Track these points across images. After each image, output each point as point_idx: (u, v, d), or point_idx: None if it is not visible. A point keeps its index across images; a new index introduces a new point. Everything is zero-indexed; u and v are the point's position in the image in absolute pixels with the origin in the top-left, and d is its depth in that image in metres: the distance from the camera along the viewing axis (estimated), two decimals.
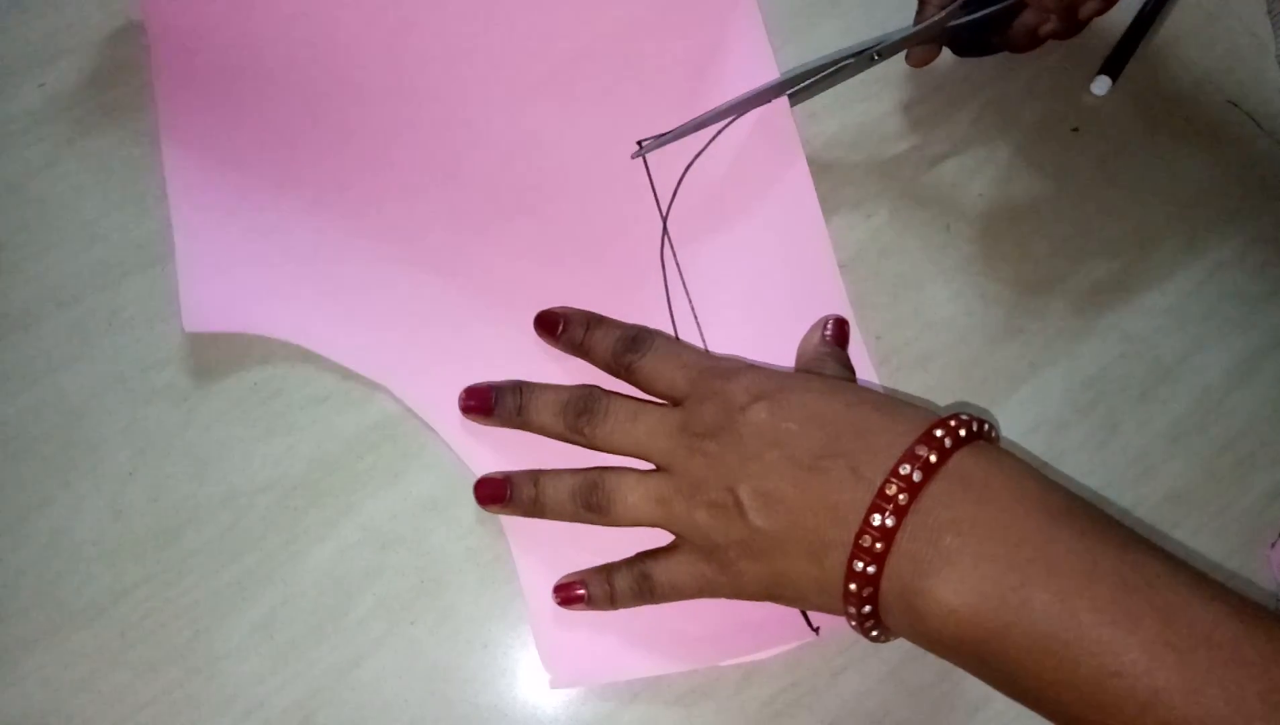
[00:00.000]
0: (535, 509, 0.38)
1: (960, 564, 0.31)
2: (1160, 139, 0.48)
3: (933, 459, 0.32)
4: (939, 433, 0.32)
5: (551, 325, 0.41)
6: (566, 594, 0.38)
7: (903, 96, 0.48)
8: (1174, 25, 0.51)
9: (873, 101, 0.47)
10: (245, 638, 0.38)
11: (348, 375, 0.42)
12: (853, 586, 0.32)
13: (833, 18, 0.48)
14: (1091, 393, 0.44)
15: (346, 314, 0.42)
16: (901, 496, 0.32)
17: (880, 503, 0.32)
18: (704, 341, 0.42)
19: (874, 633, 0.34)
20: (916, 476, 0.32)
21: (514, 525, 0.39)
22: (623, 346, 0.39)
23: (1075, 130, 0.48)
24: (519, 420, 0.39)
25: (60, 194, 0.44)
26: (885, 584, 0.32)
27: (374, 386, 0.42)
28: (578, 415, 0.38)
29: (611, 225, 0.44)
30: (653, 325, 0.41)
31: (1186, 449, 0.43)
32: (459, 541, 0.40)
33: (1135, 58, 0.49)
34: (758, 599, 0.36)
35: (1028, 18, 0.46)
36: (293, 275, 0.42)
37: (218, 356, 0.42)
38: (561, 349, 0.41)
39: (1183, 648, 0.28)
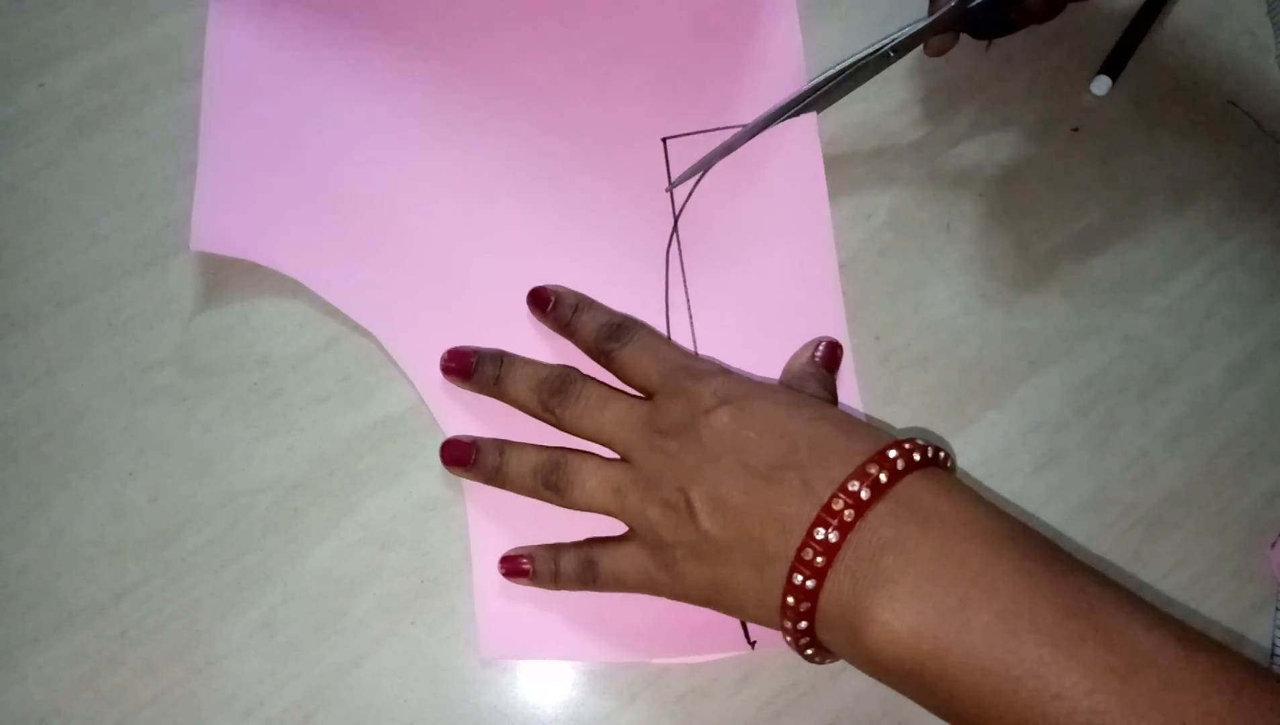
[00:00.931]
0: (497, 478, 0.39)
1: (901, 583, 0.30)
2: (1160, 139, 0.48)
3: (883, 478, 0.32)
4: (892, 453, 0.32)
5: (543, 301, 0.41)
6: (512, 566, 0.38)
7: (903, 96, 0.48)
8: (1174, 25, 0.51)
9: (873, 101, 0.47)
10: (245, 638, 0.38)
11: (347, 375, 0.42)
12: (790, 600, 0.32)
13: (833, 20, 0.48)
14: (1091, 393, 0.44)
15: (351, 258, 0.43)
16: (847, 513, 0.31)
17: (825, 517, 0.32)
18: (695, 341, 0.42)
19: (809, 651, 0.33)
20: (865, 494, 0.32)
21: (474, 491, 0.40)
22: (605, 333, 0.40)
23: (1075, 130, 0.48)
24: (495, 389, 0.40)
25: (60, 194, 0.44)
26: (824, 600, 0.32)
27: (374, 386, 0.42)
28: (551, 394, 0.38)
29: (624, 214, 0.44)
30: (647, 318, 0.41)
31: (1186, 449, 0.43)
32: (459, 541, 0.40)
33: (1135, 58, 0.49)
34: (697, 603, 0.36)
35: None
36: (306, 213, 0.43)
37: (218, 356, 0.42)
38: (549, 326, 0.41)
39: (1124, 671, 0.28)
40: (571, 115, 0.46)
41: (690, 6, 0.47)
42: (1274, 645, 0.40)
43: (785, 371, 0.41)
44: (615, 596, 0.38)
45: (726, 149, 0.44)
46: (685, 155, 0.45)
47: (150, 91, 0.46)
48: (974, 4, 0.45)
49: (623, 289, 0.42)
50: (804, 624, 0.32)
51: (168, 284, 0.43)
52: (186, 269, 0.43)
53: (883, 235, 0.45)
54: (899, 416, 0.43)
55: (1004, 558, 0.30)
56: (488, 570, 0.39)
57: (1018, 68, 0.49)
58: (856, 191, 0.46)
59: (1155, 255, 0.46)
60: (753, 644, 0.38)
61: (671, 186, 0.44)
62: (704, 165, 0.44)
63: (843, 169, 0.46)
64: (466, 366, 0.40)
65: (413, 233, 0.43)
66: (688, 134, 0.45)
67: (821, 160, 0.44)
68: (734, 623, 0.39)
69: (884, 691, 0.38)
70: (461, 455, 0.39)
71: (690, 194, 0.44)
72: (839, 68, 0.44)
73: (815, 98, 0.44)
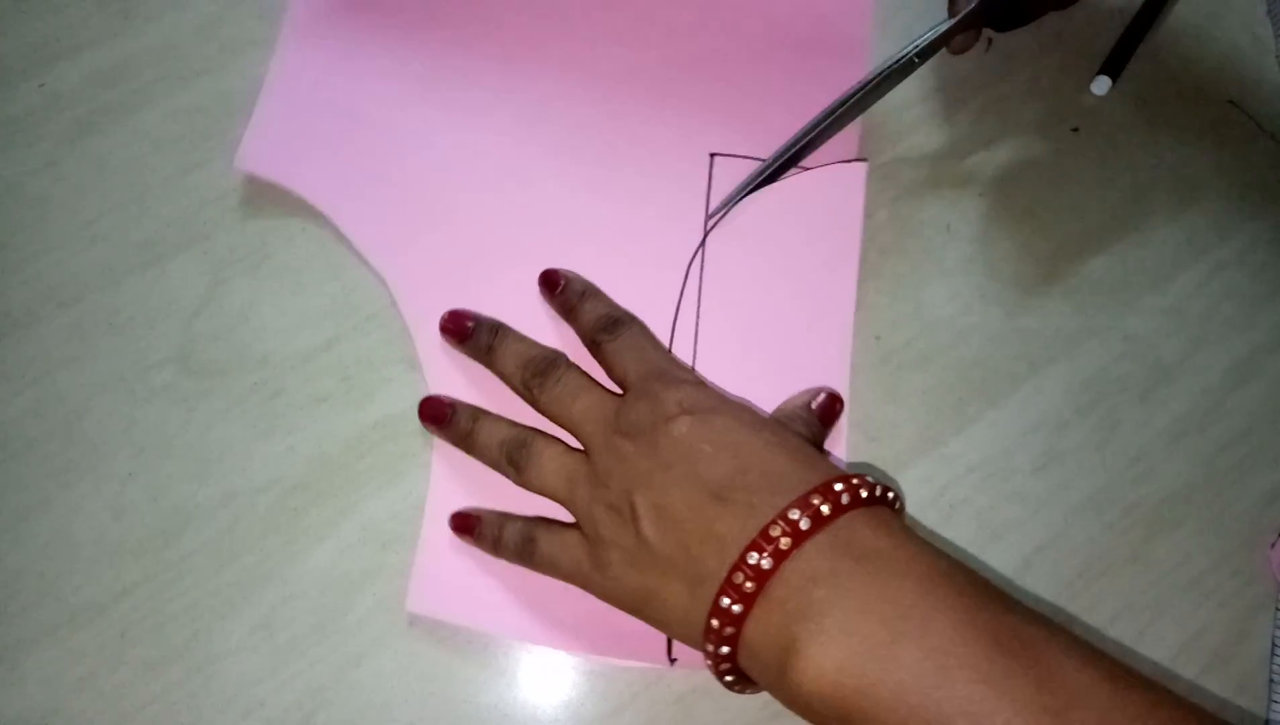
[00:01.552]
0: (465, 442, 0.39)
1: (831, 617, 0.29)
2: (1160, 139, 0.48)
3: (825, 510, 0.31)
4: (839, 487, 0.32)
5: (553, 283, 0.42)
6: (462, 522, 0.39)
7: (903, 96, 0.48)
8: (1174, 25, 0.51)
9: None
10: (245, 638, 0.38)
11: (347, 375, 0.42)
12: (715, 623, 0.31)
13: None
14: (1091, 393, 0.44)
15: (383, 203, 0.44)
16: (784, 541, 0.31)
17: (761, 543, 0.31)
18: (695, 359, 0.42)
19: (729, 678, 0.33)
20: (804, 524, 0.31)
21: (443, 449, 0.41)
22: (601, 324, 0.40)
23: (1075, 130, 0.48)
24: (484, 357, 0.41)
25: (60, 194, 0.44)
26: (750, 628, 0.31)
27: (374, 386, 0.42)
28: (534, 374, 0.39)
29: (656, 218, 0.44)
30: (653, 325, 0.41)
31: (1186, 449, 0.43)
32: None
33: (1135, 58, 0.49)
34: (623, 608, 0.36)
35: None
36: (351, 154, 0.45)
37: (218, 356, 0.42)
38: (554, 308, 0.42)
39: (1056, 709, 0.27)
40: (626, 112, 0.46)
41: (768, 34, 0.48)
42: (1274, 645, 0.40)
43: (778, 409, 0.41)
44: (549, 584, 0.38)
45: (765, 170, 0.44)
46: (729, 174, 0.45)
47: (150, 91, 0.46)
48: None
49: (637, 290, 0.42)
50: (725, 649, 0.32)
51: (168, 284, 0.43)
52: (186, 269, 0.43)
53: (883, 235, 0.45)
54: (899, 416, 0.43)
55: (938, 595, 0.30)
56: (438, 527, 0.39)
57: (1018, 68, 0.49)
58: None
59: (1155, 255, 0.46)
60: (673, 661, 0.38)
61: (710, 219, 0.44)
62: (744, 185, 0.44)
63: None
64: (463, 329, 0.41)
65: (448, 193, 0.44)
66: (736, 155, 0.45)
67: (862, 209, 0.44)
68: (660, 635, 0.38)
69: None
70: (438, 414, 0.40)
71: (726, 211, 0.44)
72: (867, 78, 0.44)
73: (842, 112, 0.44)
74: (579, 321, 0.41)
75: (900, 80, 0.44)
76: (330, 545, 0.40)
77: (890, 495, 0.33)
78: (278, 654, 0.38)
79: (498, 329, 0.41)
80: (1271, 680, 0.40)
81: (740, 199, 0.44)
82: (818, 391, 0.41)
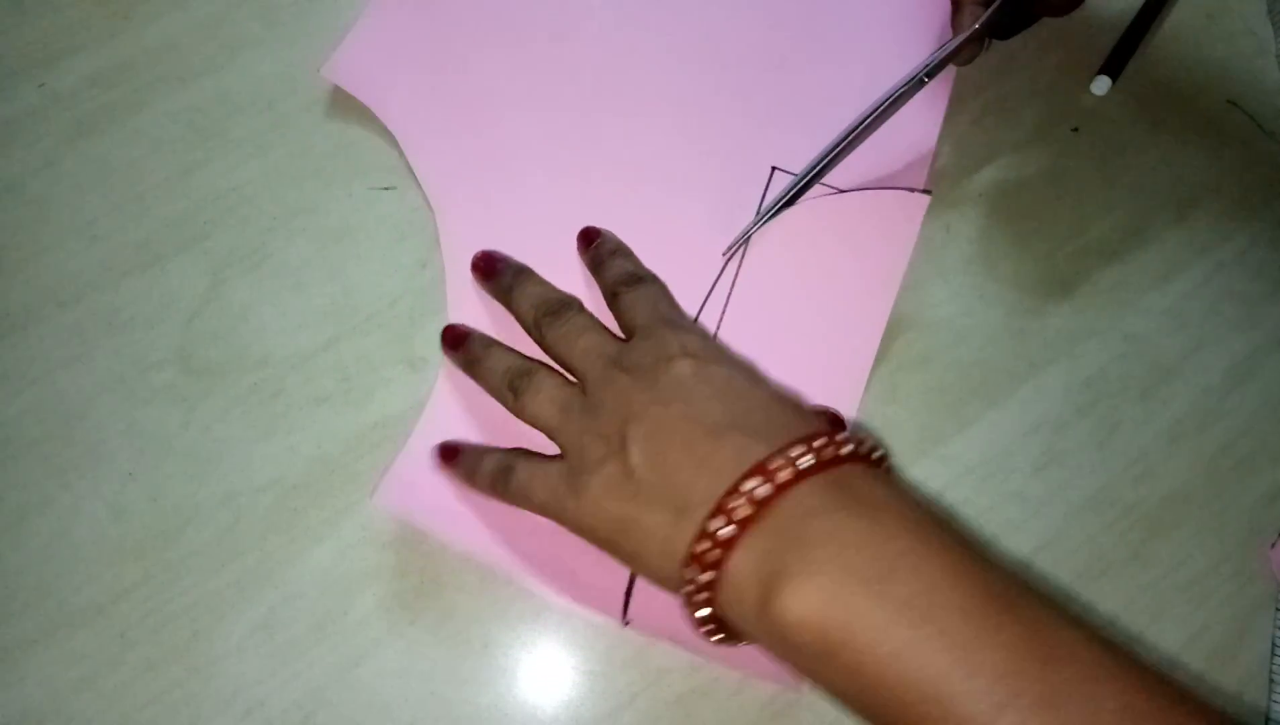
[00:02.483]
0: (473, 368, 0.40)
1: (825, 549, 0.29)
2: (1160, 139, 0.48)
3: (826, 453, 0.31)
4: (841, 437, 0.32)
5: (589, 238, 0.43)
6: (445, 452, 0.40)
7: None
8: (1174, 25, 0.51)
9: None
10: (245, 638, 0.38)
11: (347, 375, 0.42)
12: (701, 547, 0.31)
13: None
14: (1091, 393, 0.44)
15: (452, 137, 0.46)
16: (783, 473, 0.31)
17: (759, 472, 0.31)
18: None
19: (703, 612, 0.32)
20: (805, 462, 0.31)
21: (452, 376, 0.42)
22: (623, 278, 0.41)
23: (1075, 130, 0.48)
24: (505, 296, 0.42)
25: (60, 194, 0.44)
26: (738, 556, 0.31)
27: (374, 386, 0.42)
28: (545, 313, 0.40)
29: (704, 211, 0.45)
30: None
31: (1186, 449, 0.43)
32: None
33: (1135, 58, 0.49)
34: (595, 540, 0.35)
35: None
36: (436, 88, 0.46)
37: (218, 356, 0.42)
38: (586, 262, 0.43)
39: (1043, 657, 0.27)
40: (699, 110, 0.47)
41: (842, 50, 0.48)
42: (1274, 645, 0.40)
43: None
44: (515, 513, 0.38)
45: (791, 189, 0.44)
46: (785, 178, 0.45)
47: (150, 91, 0.46)
48: (995, 9, 0.44)
49: (670, 270, 0.42)
50: (708, 577, 0.31)
51: (168, 284, 0.43)
52: (186, 269, 0.43)
53: None
54: (899, 416, 0.43)
55: (931, 544, 0.30)
56: (425, 440, 0.40)
57: (1018, 68, 0.49)
58: None
59: (1155, 255, 0.46)
60: (627, 623, 0.38)
61: (728, 252, 0.44)
62: (772, 206, 0.44)
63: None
64: (491, 268, 0.42)
65: (514, 154, 0.45)
66: (796, 174, 0.45)
67: (915, 239, 0.44)
68: (618, 588, 0.38)
69: None
70: (458, 339, 0.41)
71: (774, 214, 0.44)
72: (880, 100, 0.44)
73: (858, 132, 0.44)
74: (604, 275, 0.42)
75: (910, 97, 0.44)
76: (330, 545, 0.40)
77: (887, 463, 0.33)
78: (278, 654, 0.38)
79: (520, 271, 0.42)
80: (1271, 680, 0.40)
81: (769, 219, 0.44)
82: (823, 411, 0.40)
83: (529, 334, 0.41)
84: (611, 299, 0.41)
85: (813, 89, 0.47)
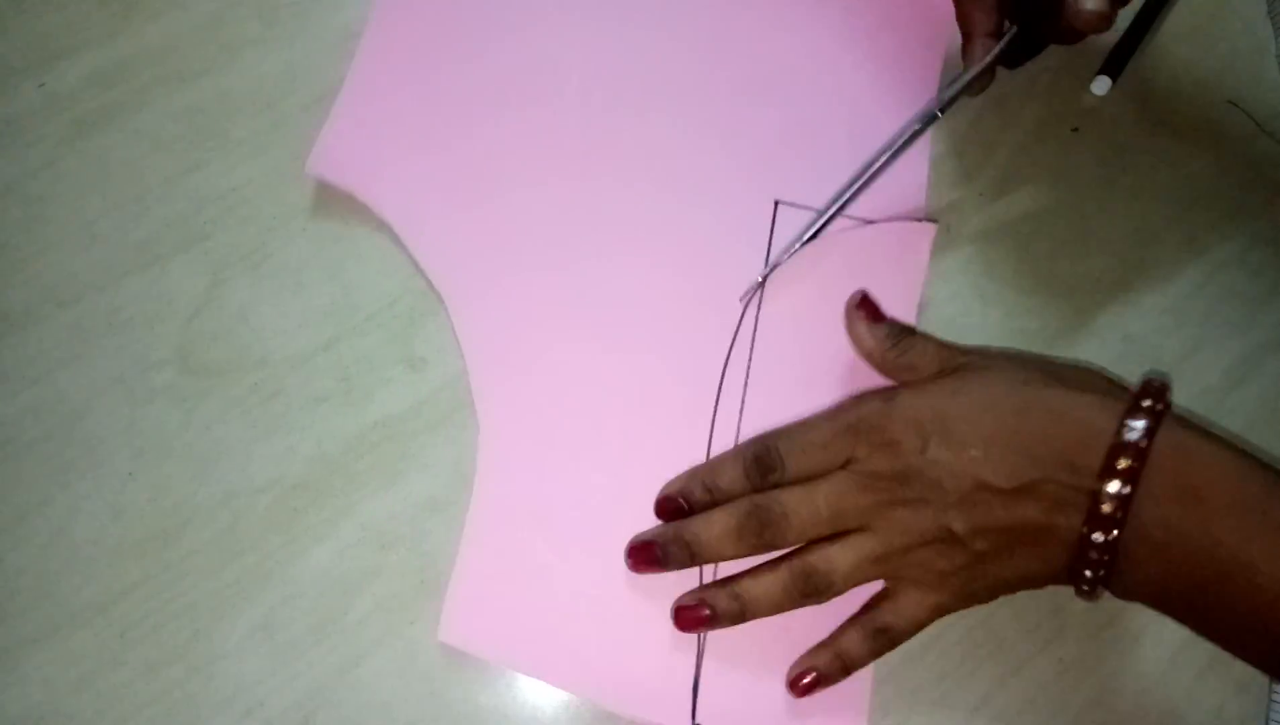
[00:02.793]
0: (745, 616, 0.37)
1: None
2: (1160, 139, 0.48)
3: (1142, 444, 0.32)
4: (1144, 403, 0.33)
5: (674, 508, 0.38)
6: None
7: None
8: (1174, 25, 0.51)
9: None
10: (245, 638, 0.38)
11: (347, 375, 0.42)
12: (1122, 461, 0.32)
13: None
14: None
15: (451, 220, 0.44)
16: (1146, 414, 0.33)
17: (1125, 418, 0.33)
18: (744, 400, 0.42)
19: (1108, 530, 0.33)
20: (1150, 408, 0.33)
21: (489, 457, 0.40)
22: (756, 471, 0.37)
23: (1075, 130, 0.48)
24: (695, 563, 0.37)
25: (60, 194, 0.44)
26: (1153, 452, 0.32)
27: (374, 386, 0.42)
28: (758, 533, 0.36)
29: (714, 257, 0.44)
30: (704, 370, 0.42)
31: None
32: (459, 541, 0.40)
33: (1135, 58, 0.49)
34: (987, 601, 0.36)
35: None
36: (424, 166, 0.45)
37: (218, 356, 0.42)
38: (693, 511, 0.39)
39: None
40: (697, 150, 0.46)
41: (839, 84, 0.48)
42: None
43: (857, 349, 0.40)
44: (578, 626, 0.38)
45: (815, 224, 0.43)
46: (791, 223, 0.44)
47: (150, 91, 0.46)
48: (1007, 41, 0.44)
49: (688, 319, 0.42)
50: (1128, 489, 0.32)
51: (168, 284, 0.43)
52: (186, 269, 0.43)
53: None
54: None
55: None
56: (479, 551, 0.39)
57: (1018, 69, 0.49)
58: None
59: (1155, 255, 0.46)
60: (695, 724, 0.38)
61: (746, 296, 0.44)
62: (795, 240, 0.43)
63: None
64: (653, 557, 0.37)
65: (516, 215, 0.44)
66: (800, 206, 0.45)
67: (925, 270, 0.44)
68: (684, 700, 0.38)
69: (884, 692, 0.38)
70: (697, 620, 0.37)
71: (787, 256, 0.43)
72: (895, 137, 0.43)
73: (876, 168, 0.43)
74: (729, 493, 0.38)
75: (923, 132, 0.44)
76: (330, 545, 0.40)
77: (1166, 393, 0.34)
78: (278, 654, 0.38)
79: (681, 535, 0.37)
80: (1271, 683, 0.40)
81: (794, 252, 0.43)
82: (857, 306, 0.40)
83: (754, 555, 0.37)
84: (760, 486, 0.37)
85: (807, 121, 0.47)
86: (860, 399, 0.37)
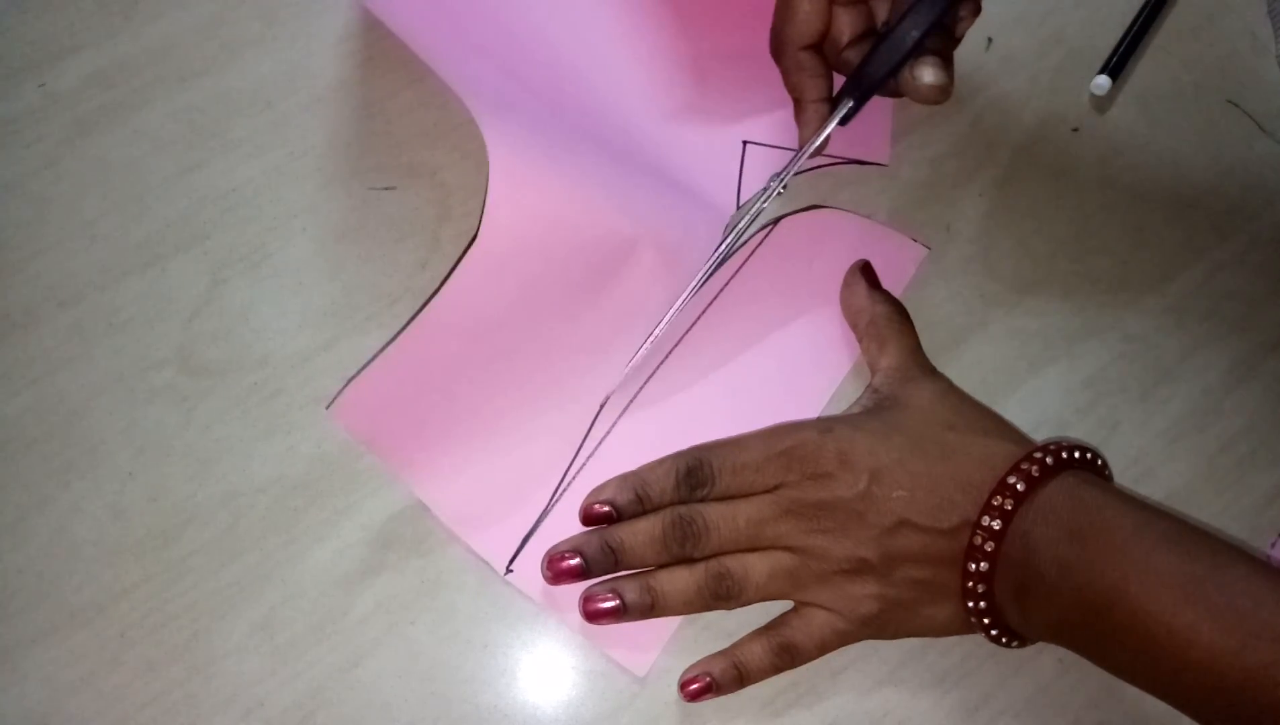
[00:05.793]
0: (655, 611, 0.38)
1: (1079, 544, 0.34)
2: (1160, 139, 0.48)
3: (1031, 479, 0.35)
4: (1038, 455, 0.36)
5: (602, 517, 0.38)
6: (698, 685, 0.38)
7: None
8: (1174, 25, 0.51)
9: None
10: (245, 638, 0.38)
11: (347, 375, 0.42)
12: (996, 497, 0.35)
13: None
14: (1091, 393, 0.44)
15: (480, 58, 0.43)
16: (1034, 469, 0.35)
17: (1016, 470, 0.35)
18: (680, 342, 0.42)
19: (989, 622, 0.36)
20: (1045, 462, 0.36)
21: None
22: (686, 484, 0.38)
23: (1075, 130, 0.48)
24: (618, 568, 0.38)
25: (60, 194, 0.44)
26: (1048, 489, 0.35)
27: None
28: (680, 543, 0.37)
29: (689, 195, 0.44)
30: (652, 303, 0.41)
31: (1186, 449, 0.43)
32: (458, 541, 0.40)
33: (1135, 58, 0.49)
34: (894, 636, 0.39)
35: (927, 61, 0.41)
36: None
37: (218, 356, 0.42)
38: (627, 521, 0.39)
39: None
40: (666, 95, 0.46)
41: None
42: None
43: (849, 309, 0.43)
44: (467, 454, 0.40)
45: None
46: (762, 163, 0.45)
47: (150, 91, 0.46)
48: (842, 115, 0.42)
49: (651, 260, 0.41)
50: (998, 523, 0.35)
51: (168, 284, 0.43)
52: (186, 269, 0.43)
53: None
54: None
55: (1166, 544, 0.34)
56: (404, 353, 0.40)
57: (1018, 68, 0.49)
58: (856, 192, 0.46)
59: (1155, 255, 0.46)
60: (509, 572, 0.39)
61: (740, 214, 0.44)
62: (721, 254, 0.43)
63: (843, 169, 0.46)
64: (576, 571, 0.37)
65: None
66: (768, 145, 0.45)
67: (905, 286, 0.44)
68: (514, 542, 0.39)
69: (884, 692, 0.38)
70: (606, 612, 0.37)
71: (753, 223, 0.43)
72: (744, 209, 0.44)
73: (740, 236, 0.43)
74: (660, 501, 0.38)
75: (769, 201, 0.43)
76: (330, 545, 0.40)
77: (1091, 456, 0.37)
78: (278, 654, 0.38)
79: (606, 543, 0.37)
80: None
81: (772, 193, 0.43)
82: (859, 271, 0.43)
83: (666, 562, 0.38)
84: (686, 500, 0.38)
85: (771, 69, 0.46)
86: (797, 427, 0.39)
